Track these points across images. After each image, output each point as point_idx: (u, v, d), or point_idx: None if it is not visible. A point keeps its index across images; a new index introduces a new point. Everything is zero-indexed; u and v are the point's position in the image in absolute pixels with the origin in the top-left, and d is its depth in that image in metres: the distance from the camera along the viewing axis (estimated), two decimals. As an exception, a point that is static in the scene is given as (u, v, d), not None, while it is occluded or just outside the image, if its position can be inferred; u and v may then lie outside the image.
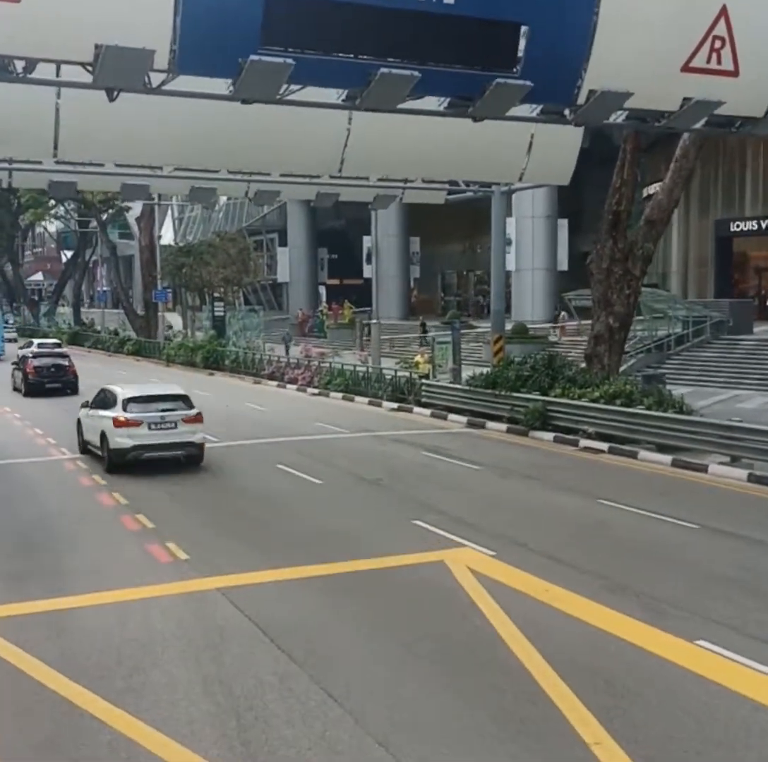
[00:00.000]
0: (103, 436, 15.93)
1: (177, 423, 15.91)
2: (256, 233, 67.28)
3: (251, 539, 11.33)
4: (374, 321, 29.91)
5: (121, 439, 15.48)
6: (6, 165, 18.73)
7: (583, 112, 13.75)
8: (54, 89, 14.90)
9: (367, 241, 56.40)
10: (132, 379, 33.24)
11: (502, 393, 21.06)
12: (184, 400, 16.64)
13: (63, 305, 75.92)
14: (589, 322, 34.62)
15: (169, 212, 79.19)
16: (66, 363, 29.33)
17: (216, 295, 45.12)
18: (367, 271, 56.65)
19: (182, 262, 44.72)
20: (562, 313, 44.10)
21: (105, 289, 76.50)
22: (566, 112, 14.56)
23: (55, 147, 16.08)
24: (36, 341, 37.24)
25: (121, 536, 11.51)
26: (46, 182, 19.78)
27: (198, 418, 16.27)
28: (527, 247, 48.06)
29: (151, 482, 14.84)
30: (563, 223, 47.64)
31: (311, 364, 31.24)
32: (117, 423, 15.50)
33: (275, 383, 31.79)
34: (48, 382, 28.05)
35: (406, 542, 11.02)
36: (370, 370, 27.93)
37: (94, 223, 57.84)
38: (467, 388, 22.65)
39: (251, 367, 34.77)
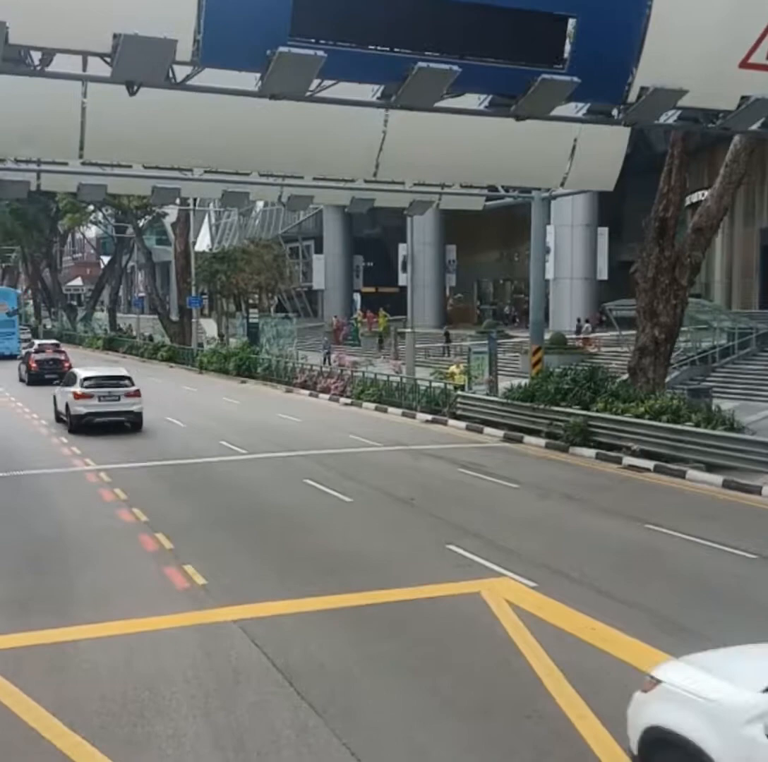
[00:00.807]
0: (67, 406, 21.55)
1: (120, 397, 21.57)
2: (292, 240, 66.96)
3: (275, 563, 10.64)
4: (409, 329, 29.14)
5: (79, 408, 21.08)
6: (34, 166, 18.34)
7: (633, 111, 12.93)
8: (80, 88, 14.44)
9: (402, 249, 55.77)
10: (162, 385, 32.83)
11: (541, 406, 20.22)
12: (128, 379, 22.02)
13: (100, 310, 76.15)
14: (631, 333, 33.63)
15: (206, 219, 79.31)
16: (62, 358, 35.16)
17: (250, 301, 44.75)
18: (403, 279, 55.98)
19: (216, 268, 44.33)
20: (586, 324, 43.08)
21: (141, 294, 76.67)
22: (614, 111, 13.81)
23: (81, 147, 15.57)
24: (37, 341, 41.09)
25: (138, 556, 10.86)
26: (76, 185, 19.37)
27: (137, 394, 21.86)
28: (566, 255, 47.11)
29: (174, 498, 14.24)
30: (603, 232, 46.65)
31: (344, 373, 30.58)
32: (76, 396, 21.19)
33: (307, 392, 31.17)
34: (46, 374, 32.49)
35: (439, 570, 10.26)
36: (404, 380, 27.19)
37: (131, 230, 57.83)
38: (504, 400, 21.82)
39: (283, 375, 34.21)
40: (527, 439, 20.18)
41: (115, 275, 70.12)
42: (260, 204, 72.55)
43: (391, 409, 26.02)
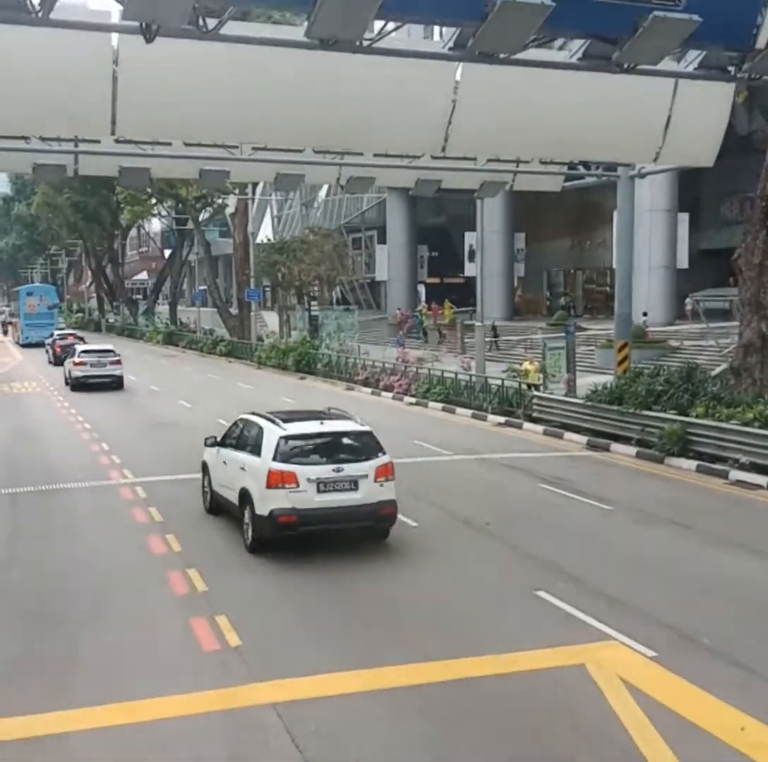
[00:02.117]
0: (69, 372, 30.43)
1: (106, 364, 29.72)
2: (354, 230, 65.18)
3: (325, 615, 8.73)
4: (479, 323, 27.00)
5: (76, 372, 29.65)
6: (71, 147, 16.72)
7: (760, 61, 10.67)
8: (110, 55, 12.73)
9: (469, 238, 53.51)
10: (218, 382, 31.33)
11: (631, 410, 17.94)
12: (112, 352, 30.67)
13: (161, 304, 75.51)
14: (721, 326, 30.91)
15: (268, 210, 78.09)
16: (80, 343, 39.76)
17: (311, 293, 43.07)
18: (469, 269, 53.75)
19: (276, 259, 42.72)
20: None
21: (203, 288, 75.81)
22: (731, 69, 11.58)
23: (113, 122, 13.82)
24: (56, 333, 46.25)
25: (163, 603, 9.05)
26: (116, 168, 17.68)
27: (118, 362, 30.17)
28: (644, 243, 44.16)
29: (215, 520, 12.43)
30: (684, 218, 43.68)
31: (408, 369, 28.58)
32: (74, 363, 29.98)
33: (369, 390, 29.26)
34: (67, 356, 34.46)
35: (528, 627, 8.23)
36: (474, 378, 25.07)
37: (191, 222, 56.67)
38: (587, 402, 19.57)
39: (344, 371, 32.37)
40: (614, 446, 17.94)
41: (175, 268, 69.25)
42: (322, 193, 71.08)
43: (459, 410, 23.96)
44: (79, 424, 21.71)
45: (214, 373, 36.08)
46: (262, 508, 10.47)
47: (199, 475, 13.09)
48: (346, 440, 11.34)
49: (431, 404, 25.31)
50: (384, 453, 11.43)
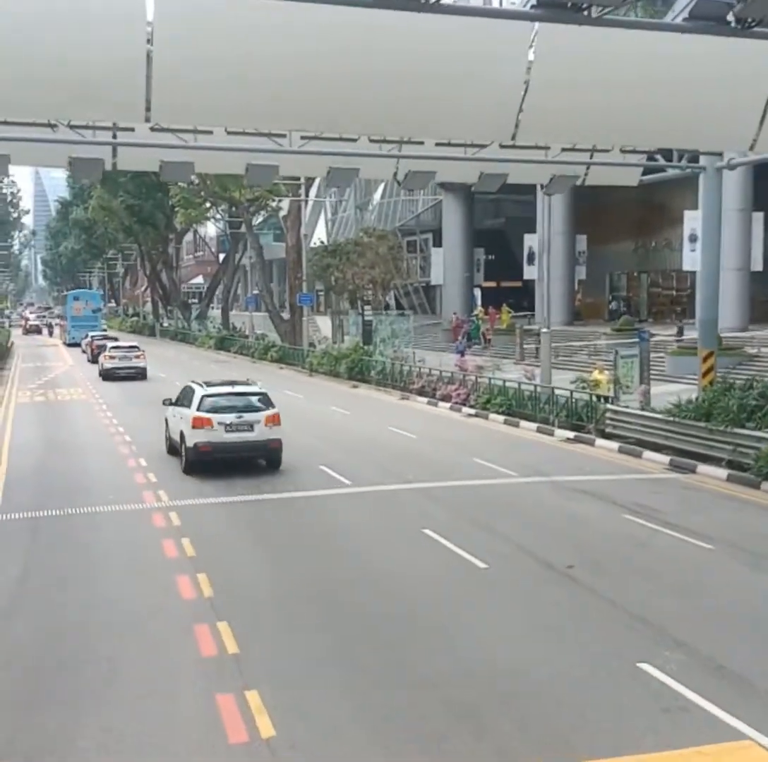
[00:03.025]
0: (102, 365, 36.14)
1: (132, 358, 35.72)
2: (409, 233, 63.63)
3: (375, 690, 7.14)
4: (544, 329, 25.17)
5: (107, 364, 35.33)
6: (108, 138, 15.43)
7: None
8: (144, 32, 11.38)
9: (528, 240, 51.59)
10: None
11: (721, 428, 16.04)
12: (137, 348, 36.46)
13: (215, 308, 74.78)
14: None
15: (322, 213, 77.00)
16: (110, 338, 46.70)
17: (364, 298, 41.60)
18: (528, 272, 51.80)
19: (329, 262, 41.34)
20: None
21: (256, 292, 74.86)
22: None
23: (148, 108, 12.47)
24: (90, 333, 50.16)
25: (186, 670, 7.55)
26: (157, 163, 16.36)
27: (142, 356, 35.62)
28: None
29: (253, 557, 10.95)
30: (758, 217, 41.25)
31: (467, 378, 26.88)
32: (105, 357, 36.06)
33: (425, 400, 27.62)
34: (100, 353, 38.85)
35: (635, 717, 6.55)
36: (539, 388, 23.28)
37: (244, 226, 55.69)
38: (669, 418, 17.68)
39: (399, 380, 30.78)
40: (702, 468, 16.05)
41: (228, 273, 68.46)
42: (377, 195, 69.73)
43: (523, 423, 22.21)
44: (119, 436, 20.48)
45: (264, 380, 34.63)
46: (190, 442, 15.72)
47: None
48: (247, 398, 16.50)
49: (492, 416, 23.59)
50: (273, 407, 16.42)
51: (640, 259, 55.16)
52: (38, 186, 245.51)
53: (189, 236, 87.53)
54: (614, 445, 18.75)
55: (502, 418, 23.24)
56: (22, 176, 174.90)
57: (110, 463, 17.21)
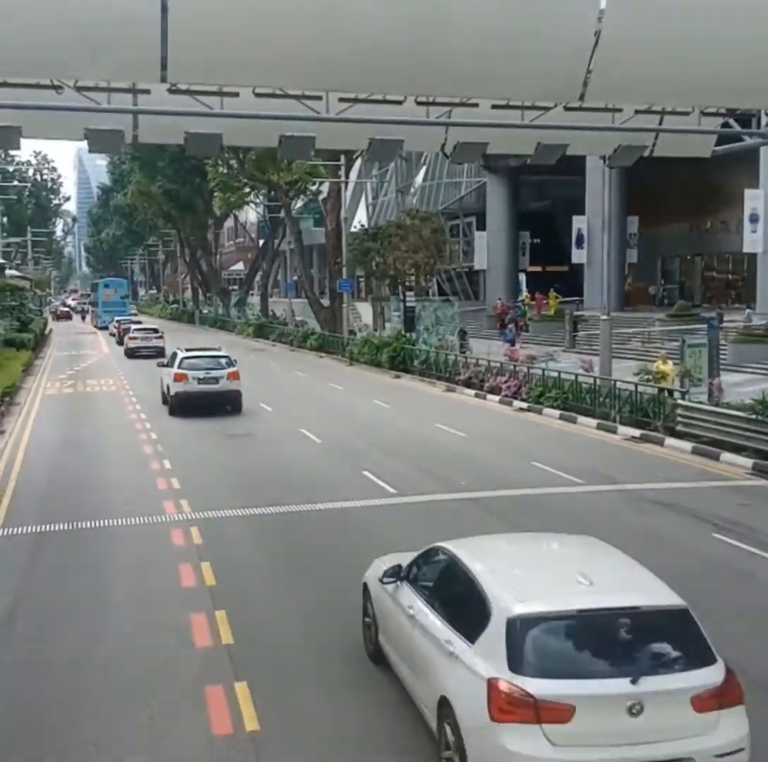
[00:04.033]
0: (126, 344, 40.45)
1: (152, 338, 39.68)
2: (452, 217, 61.64)
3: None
4: (603, 316, 23.22)
5: (130, 344, 39.86)
6: (126, 104, 13.82)
7: None
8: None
9: (577, 223, 49.48)
10: (305, 381, 28.53)
11: (815, 429, 14.15)
12: (156, 330, 41.43)
13: (254, 295, 73.51)
14: None
15: (363, 197, 75.27)
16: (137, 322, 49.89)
17: (407, 283, 39.83)
18: (577, 256, 49.73)
19: (369, 246, 39.64)
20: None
21: (295, 278, 73.44)
22: None
23: (164, 67, 10.91)
24: (117, 318, 54.21)
25: (194, 751, 5.98)
26: (181, 134, 14.74)
27: (161, 337, 39.68)
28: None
29: (278, 589, 9.36)
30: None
31: (518, 369, 25.07)
32: (129, 338, 40.34)
33: (473, 392, 25.86)
34: (125, 335, 42.92)
35: None
36: (598, 380, 21.41)
37: (283, 211, 54.18)
38: (751, 415, 15.78)
39: (444, 370, 29.05)
40: (793, 474, 14.18)
41: (268, 259, 67.09)
42: (419, 178, 67.79)
43: (581, 419, 20.38)
44: (145, 433, 19.04)
45: (302, 370, 33.31)
46: (172, 391, 21.40)
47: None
48: (215, 359, 22.29)
49: (546, 411, 21.79)
50: (234, 366, 21.92)
51: (694, 241, 52.69)
52: (82, 173, 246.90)
53: (230, 222, 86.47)
54: (686, 445, 16.88)
55: (557, 412, 21.43)
56: (64, 163, 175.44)
57: (132, 464, 15.76)
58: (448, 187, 64.08)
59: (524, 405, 22.93)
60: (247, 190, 57.50)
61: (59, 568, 9.93)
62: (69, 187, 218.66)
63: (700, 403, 17.92)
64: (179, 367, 21.41)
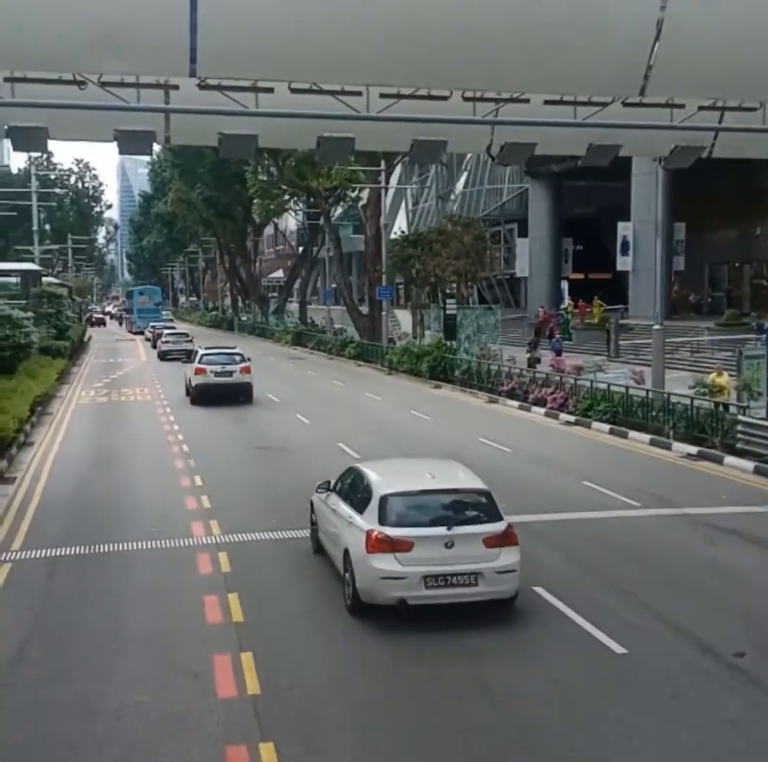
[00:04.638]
0: (158, 348, 43.48)
1: (182, 342, 41.20)
2: (493, 223, 60.68)
3: None
4: (656, 326, 22.12)
5: (161, 346, 42.71)
6: (158, 103, 13.13)
7: None
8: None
9: (622, 229, 48.35)
10: (343, 390, 27.73)
11: None
12: (186, 335, 43.75)
13: (292, 302, 73.07)
14: None
15: (403, 204, 74.57)
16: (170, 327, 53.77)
17: (447, 290, 38.96)
18: (622, 263, 48.56)
19: (410, 252, 38.84)
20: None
21: (334, 285, 72.86)
22: None
23: (193, 60, 10.19)
24: (152, 323, 59.02)
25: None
26: (215, 136, 14.05)
27: (191, 341, 40.67)
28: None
29: (309, 633, 8.53)
30: None
31: (564, 381, 24.07)
32: (161, 342, 43.46)
33: (516, 403, 24.90)
34: (158, 339, 46.03)
35: None
36: (650, 393, 20.34)
37: (322, 218, 53.60)
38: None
39: (486, 380, 28.10)
40: None
41: (306, 266, 66.59)
42: (460, 185, 66.91)
43: (632, 434, 19.34)
44: (177, 446, 18.36)
45: (340, 379, 32.56)
46: (193, 384, 24.88)
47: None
48: (230, 355, 25.64)
49: (595, 424, 20.77)
50: (247, 361, 25.40)
51: (742, 248, 51.20)
52: (124, 181, 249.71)
53: (270, 230, 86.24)
54: (748, 464, 15.80)
55: (607, 427, 20.41)
56: (107, 171, 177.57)
57: (161, 481, 15.06)
58: (489, 193, 63.18)
59: (571, 418, 21.93)
60: (287, 197, 57.01)
61: (76, 598, 9.20)
62: (112, 195, 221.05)
63: (763, 418, 16.82)
64: (199, 362, 25.04)
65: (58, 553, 10.70)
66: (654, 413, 19.57)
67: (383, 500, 8.66)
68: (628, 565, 10.18)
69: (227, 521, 12.04)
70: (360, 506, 8.95)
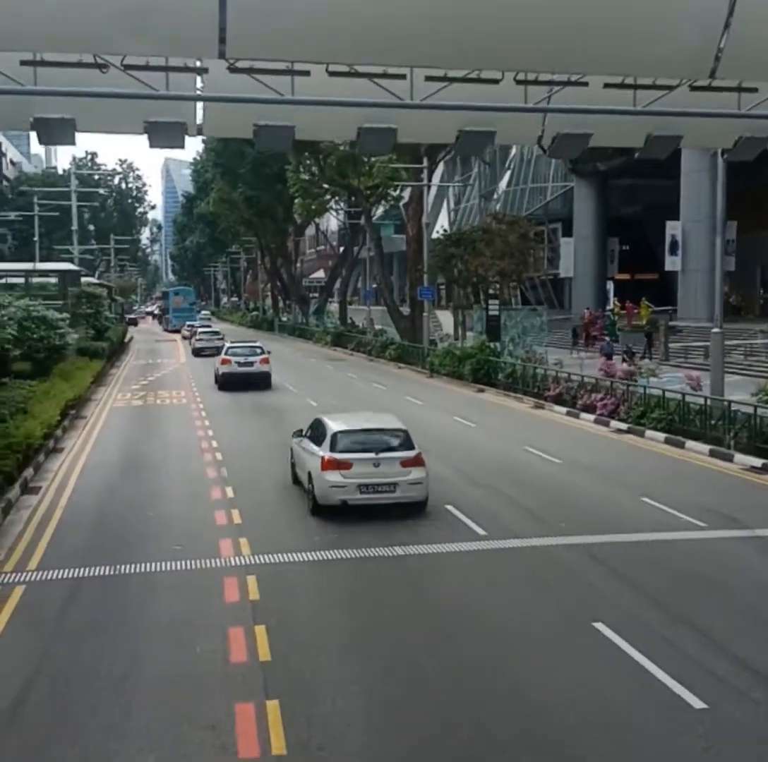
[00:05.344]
0: (193, 345, 46.33)
1: (214, 340, 43.19)
2: (537, 223, 59.43)
3: None
4: (715, 329, 20.86)
5: (195, 343, 45.49)
6: (188, 90, 12.32)
7: None
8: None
9: (671, 228, 46.89)
10: (384, 394, 26.84)
11: None
12: (219, 333, 46.23)
13: (333, 303, 72.41)
14: None
15: (445, 204, 73.54)
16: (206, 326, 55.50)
17: (490, 291, 37.90)
18: (670, 263, 47.13)
19: (452, 252, 37.83)
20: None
21: (374, 285, 72.10)
22: None
23: (222, 40, 9.39)
24: (188, 323, 62.73)
25: None
26: (250, 127, 13.23)
27: (222, 339, 41.66)
28: None
29: (342, 675, 7.65)
30: None
31: (615, 386, 22.93)
32: (195, 340, 46.28)
33: (564, 410, 23.82)
34: (193, 337, 49.22)
35: None
36: (709, 400, 19.16)
37: (363, 217, 52.76)
38: None
39: (531, 385, 27.04)
40: None
41: (347, 266, 65.84)
42: (503, 184, 65.68)
43: (689, 443, 18.19)
44: (211, 453, 17.61)
45: (381, 382, 31.68)
46: (220, 372, 29.14)
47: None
48: (251, 347, 30.05)
49: (649, 433, 19.64)
50: (267, 353, 29.95)
51: (798, 248, 49.41)
52: (168, 182, 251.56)
53: (311, 230, 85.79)
54: (820, 479, 14.63)
55: (661, 435, 19.26)
56: (152, 172, 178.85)
57: (192, 492, 14.29)
58: (533, 192, 61.99)
59: (623, 426, 20.80)
60: (328, 196, 56.31)
61: (89, 630, 8.38)
62: (156, 196, 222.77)
63: (835, 430, 15.61)
64: (225, 354, 29.62)
65: (76, 574, 9.94)
66: (713, 422, 18.41)
67: (334, 436, 12.41)
68: (693, 594, 9.16)
69: (258, 539, 11.22)
70: (319, 441, 12.66)
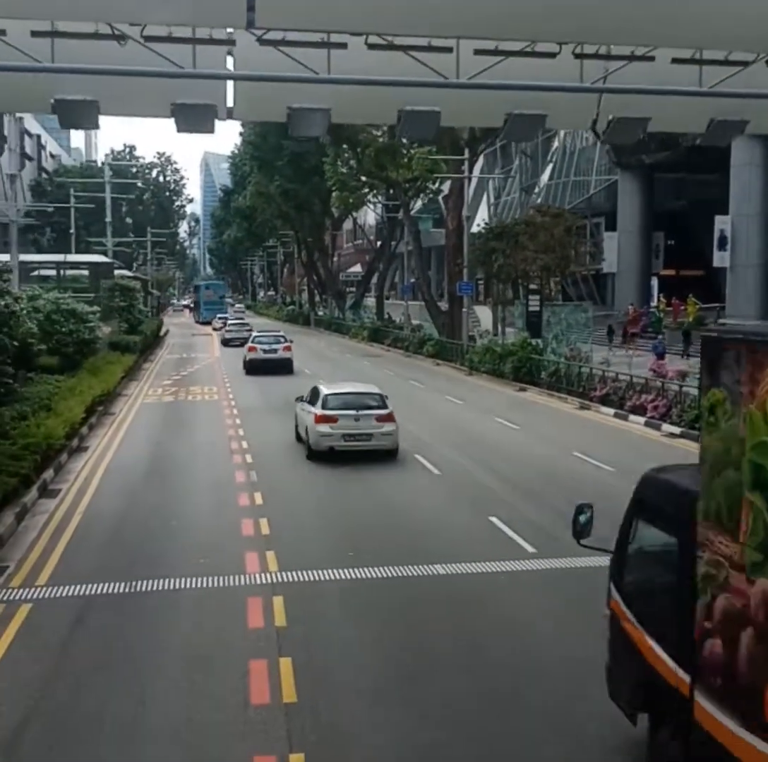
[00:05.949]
0: (223, 336, 50.25)
1: (243, 331, 45.71)
2: (580, 217, 58.06)
3: None
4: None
5: (226, 336, 48.40)
6: (218, 67, 11.43)
7: None
8: None
9: (719, 223, 45.32)
10: (421, 393, 25.87)
11: None
12: (247, 325, 49.25)
13: (369, 297, 71.56)
14: None
15: (485, 197, 72.31)
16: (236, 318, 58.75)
17: (532, 286, 36.76)
18: (718, 259, 45.58)
19: (493, 246, 36.75)
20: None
21: (412, 280, 71.04)
22: None
23: (251, 7, 8.50)
24: (219, 315, 66.49)
25: None
26: (284, 110, 12.35)
27: (250, 330, 44.74)
28: None
29: (374, 718, 6.75)
30: None
31: (667, 387, 21.77)
32: (225, 330, 50.60)
33: (611, 411, 22.70)
34: (223, 327, 53.59)
35: None
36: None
37: (401, 211, 51.80)
38: None
39: (576, 384, 25.93)
40: None
41: (384, 260, 64.92)
42: (545, 177, 64.32)
43: (748, 450, 17.01)
44: (240, 455, 16.81)
45: (418, 380, 30.73)
46: (247, 359, 33.29)
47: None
48: (275, 336, 34.58)
49: (703, 438, 18.46)
50: (289, 342, 34.14)
51: None
52: (207, 176, 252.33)
53: (348, 224, 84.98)
54: None
55: (717, 441, 18.09)
56: (191, 165, 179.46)
57: (217, 498, 13.48)
58: (575, 186, 60.59)
59: (676, 430, 19.65)
60: (366, 189, 55.42)
61: (97, 660, 7.55)
62: (195, 189, 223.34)
63: None
64: (252, 342, 33.69)
65: (88, 591, 9.16)
66: (774, 428, 17.20)
67: (325, 398, 16.06)
68: None
69: (287, 553, 10.36)
70: (314, 402, 16.16)
